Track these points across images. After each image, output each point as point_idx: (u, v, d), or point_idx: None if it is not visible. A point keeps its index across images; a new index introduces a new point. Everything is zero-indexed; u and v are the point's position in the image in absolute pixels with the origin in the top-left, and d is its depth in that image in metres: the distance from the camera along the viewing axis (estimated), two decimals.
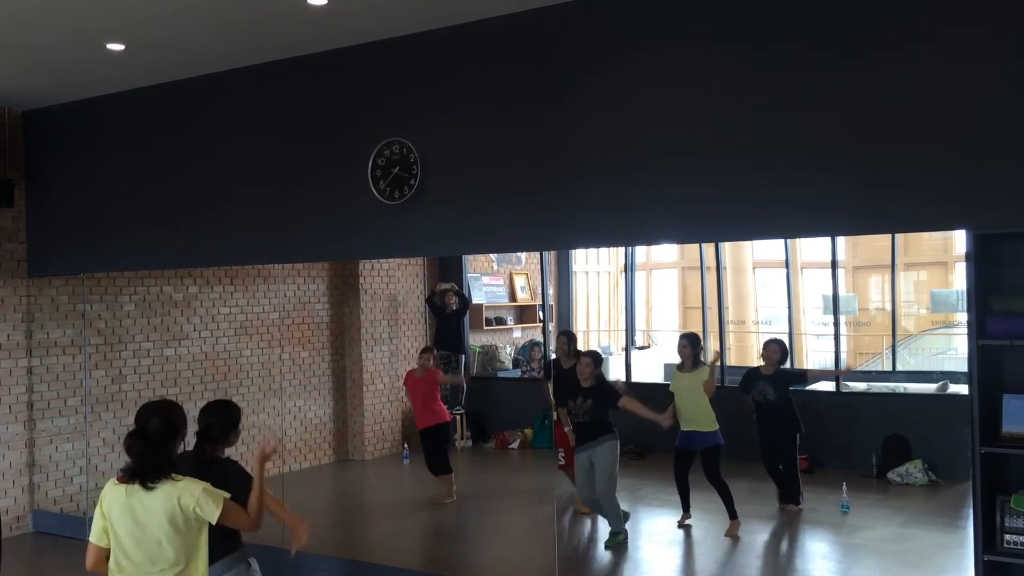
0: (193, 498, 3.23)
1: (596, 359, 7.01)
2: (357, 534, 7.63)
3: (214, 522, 3.27)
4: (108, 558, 3.31)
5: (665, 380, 11.20)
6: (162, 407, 3.42)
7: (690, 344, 7.27)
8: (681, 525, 7.22)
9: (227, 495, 3.33)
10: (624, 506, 7.03)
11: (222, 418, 3.91)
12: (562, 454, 7.89)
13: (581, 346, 8.86)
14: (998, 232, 3.97)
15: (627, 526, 6.96)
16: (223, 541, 3.61)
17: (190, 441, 3.81)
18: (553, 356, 8.25)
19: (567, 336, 8.20)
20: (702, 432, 7.07)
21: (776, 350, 7.57)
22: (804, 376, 8.51)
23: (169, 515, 3.20)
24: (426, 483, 8.46)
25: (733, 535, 6.93)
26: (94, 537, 3.31)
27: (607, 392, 6.90)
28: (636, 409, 6.82)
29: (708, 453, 7.07)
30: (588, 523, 7.50)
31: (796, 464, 7.65)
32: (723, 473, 7.06)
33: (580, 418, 6.87)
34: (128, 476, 3.25)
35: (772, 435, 7.55)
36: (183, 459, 3.63)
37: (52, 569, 6.89)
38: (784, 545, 6.97)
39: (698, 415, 7.09)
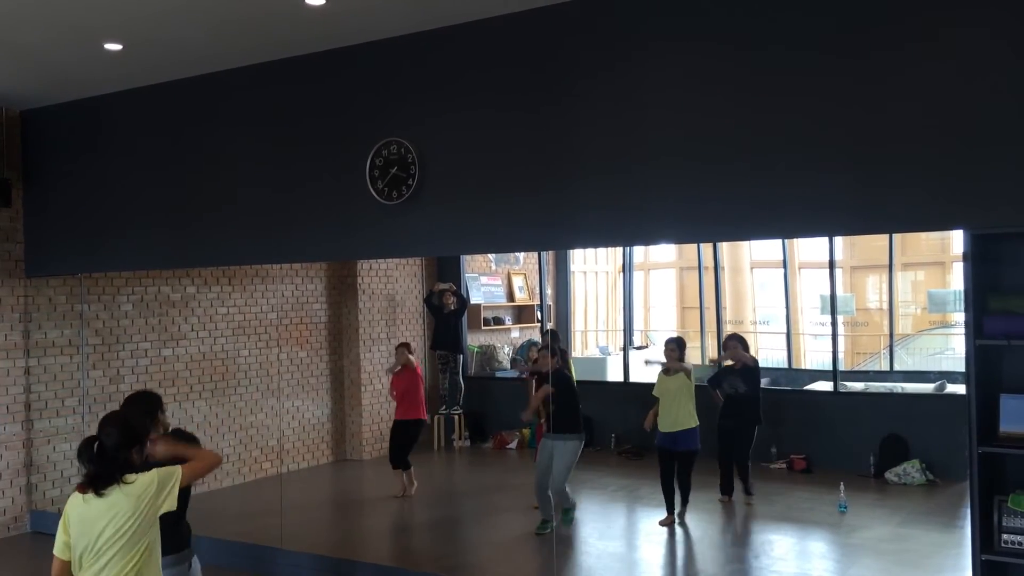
0: (150, 493, 3.23)
1: (552, 349, 7.21)
2: (355, 534, 7.62)
3: (174, 507, 3.30)
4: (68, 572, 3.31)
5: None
6: (122, 419, 3.41)
7: (677, 347, 7.48)
8: (664, 524, 7.26)
9: (176, 468, 3.33)
10: (621, 505, 7.06)
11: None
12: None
13: (580, 346, 8.90)
14: (996, 232, 3.97)
15: (609, 524, 7.07)
16: (167, 540, 3.58)
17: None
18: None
19: (551, 334, 8.32)
20: (685, 431, 7.29)
21: (737, 344, 7.92)
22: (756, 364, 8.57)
23: (124, 518, 3.20)
24: (425, 483, 8.47)
25: (668, 524, 7.21)
26: (57, 550, 3.31)
27: (559, 378, 7.07)
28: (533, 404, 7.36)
29: (686, 456, 7.31)
30: (587, 522, 7.51)
31: (748, 455, 7.95)
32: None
33: (551, 406, 7.05)
34: (84, 485, 3.27)
35: (734, 427, 7.81)
36: None
37: (50, 569, 6.88)
38: (783, 545, 6.97)
39: (680, 417, 7.30)
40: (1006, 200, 3.86)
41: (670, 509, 7.32)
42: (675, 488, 7.35)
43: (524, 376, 11.29)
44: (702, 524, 7.33)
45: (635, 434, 9.96)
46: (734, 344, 7.93)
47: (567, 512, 7.22)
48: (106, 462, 3.24)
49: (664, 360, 7.59)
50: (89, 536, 3.22)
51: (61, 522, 3.31)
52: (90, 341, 7.95)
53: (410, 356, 8.54)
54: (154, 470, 3.32)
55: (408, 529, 7.79)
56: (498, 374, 11.56)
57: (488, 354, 11.77)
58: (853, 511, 7.50)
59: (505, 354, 11.93)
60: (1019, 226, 3.90)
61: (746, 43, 4.40)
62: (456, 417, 10.77)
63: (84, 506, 3.25)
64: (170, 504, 3.30)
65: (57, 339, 7.74)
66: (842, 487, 7.63)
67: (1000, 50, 3.85)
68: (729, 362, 7.98)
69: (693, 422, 7.32)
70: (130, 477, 3.25)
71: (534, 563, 6.66)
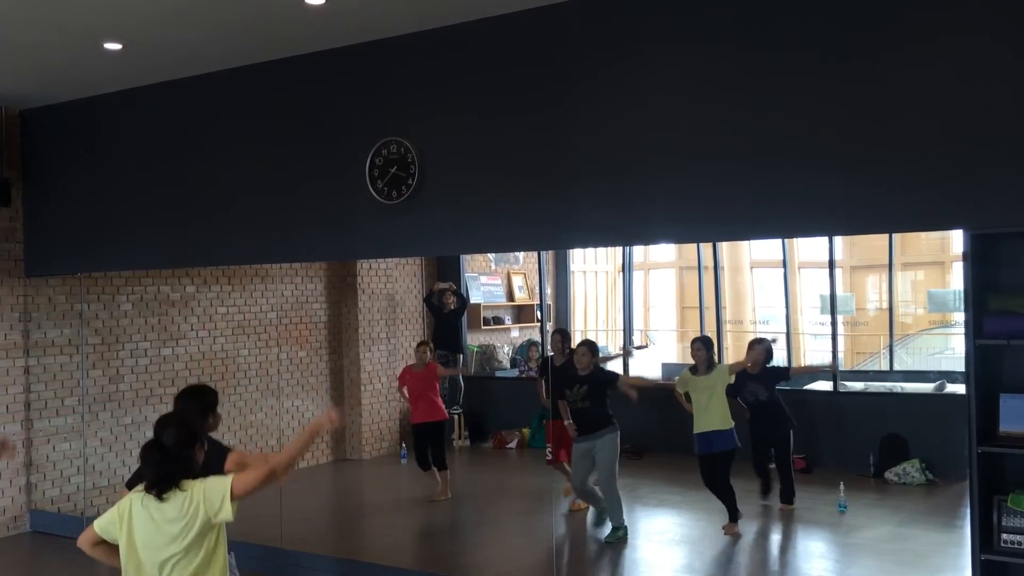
0: (205, 502, 3.17)
1: (592, 347, 7.14)
2: (355, 533, 7.63)
3: (231, 519, 3.22)
4: (100, 544, 3.29)
5: (664, 380, 11.21)
6: (178, 417, 3.40)
7: (704, 347, 7.23)
8: (728, 532, 6.99)
9: (227, 479, 3.25)
10: (622, 505, 7.03)
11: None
12: (550, 449, 7.91)
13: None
14: (995, 232, 3.98)
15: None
16: None
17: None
18: (549, 354, 8.30)
19: (561, 334, 8.22)
20: (719, 431, 7.02)
21: (761, 351, 7.61)
22: (788, 373, 8.47)
23: (181, 525, 3.16)
24: (424, 482, 8.46)
25: (733, 533, 6.93)
26: (99, 527, 3.28)
27: (604, 376, 7.00)
28: (636, 383, 7.32)
29: (723, 457, 7.03)
30: (587, 521, 7.51)
31: (790, 462, 7.67)
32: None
33: (578, 404, 6.93)
34: (147, 486, 3.22)
35: (766, 433, 7.59)
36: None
37: (49, 569, 6.89)
38: (782, 545, 6.97)
39: (714, 416, 7.05)
40: (1006, 200, 3.87)
41: (732, 516, 7.01)
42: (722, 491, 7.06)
43: (524, 375, 11.33)
44: (701, 523, 7.31)
45: (635, 434, 9.95)
46: (759, 350, 7.59)
47: (616, 530, 6.87)
48: (170, 463, 3.19)
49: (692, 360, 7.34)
50: (156, 542, 3.17)
51: (117, 511, 3.24)
52: (90, 340, 7.94)
53: (430, 357, 8.47)
54: (202, 482, 3.25)
55: (408, 529, 7.79)
56: (498, 374, 11.57)
57: (488, 354, 11.77)
58: (853, 511, 7.50)
59: (505, 354, 11.93)
60: (1019, 226, 3.90)
61: (746, 43, 4.40)
62: (456, 417, 10.77)
63: (144, 511, 3.19)
64: (225, 515, 3.21)
65: (57, 338, 7.74)
66: (842, 487, 7.62)
67: (999, 51, 3.86)
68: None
69: (728, 422, 7.04)
70: (186, 484, 3.20)
71: (535, 563, 6.66)
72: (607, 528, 6.97)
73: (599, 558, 6.69)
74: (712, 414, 7.05)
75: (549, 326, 12.10)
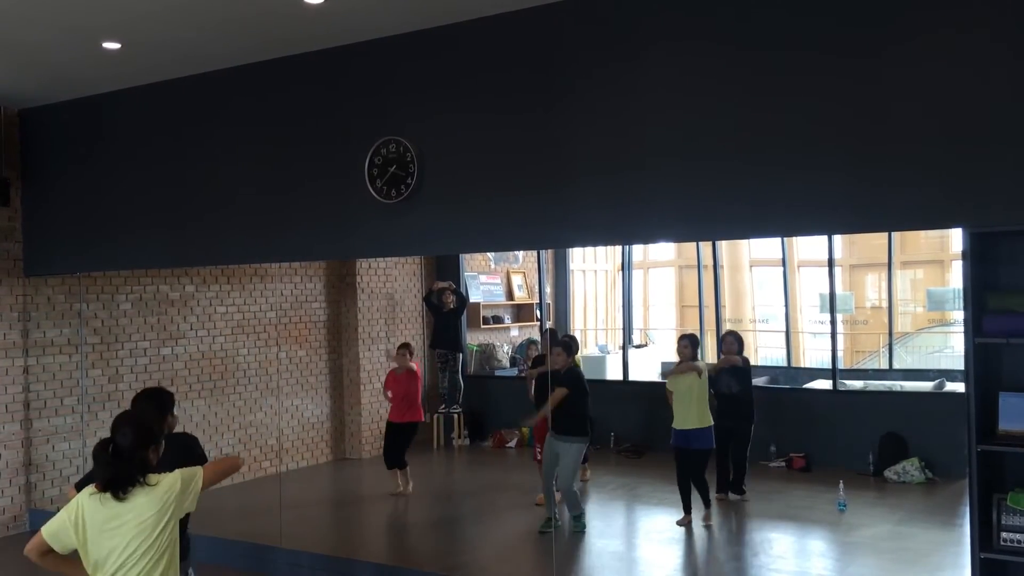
0: (176, 493, 3.16)
1: (567, 346, 7.15)
2: (354, 532, 7.62)
3: (197, 498, 3.26)
4: (48, 553, 3.20)
5: (663, 379, 11.21)
6: (136, 418, 3.34)
7: (690, 344, 7.37)
8: (681, 523, 7.22)
9: (197, 468, 3.28)
10: (620, 504, 7.06)
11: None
12: (539, 449, 7.92)
13: (579, 344, 8.90)
14: (995, 230, 3.97)
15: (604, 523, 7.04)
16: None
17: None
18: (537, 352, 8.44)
19: (551, 333, 8.38)
20: (698, 429, 7.19)
21: (733, 342, 7.88)
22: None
23: (146, 522, 3.11)
24: (424, 482, 8.47)
25: (685, 523, 7.16)
26: (48, 535, 3.18)
27: (572, 378, 7.00)
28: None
29: (700, 455, 7.22)
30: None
31: (747, 455, 7.91)
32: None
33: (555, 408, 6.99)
34: (100, 486, 3.15)
35: (730, 426, 7.72)
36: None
37: (48, 569, 6.87)
38: (782, 544, 6.98)
39: (694, 414, 7.21)
40: (1005, 198, 3.86)
41: (686, 509, 7.25)
42: (691, 488, 7.27)
43: (523, 374, 11.32)
44: (700, 523, 7.30)
45: (634, 433, 9.97)
46: (731, 341, 7.91)
47: (577, 519, 7.12)
48: (123, 463, 3.13)
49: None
50: (112, 541, 3.10)
51: (68, 516, 3.16)
52: (89, 340, 7.94)
53: (410, 359, 8.52)
54: (177, 471, 3.24)
55: (407, 528, 7.79)
56: (497, 373, 11.56)
57: (487, 353, 11.77)
58: (852, 509, 7.51)
59: (504, 353, 11.93)
60: (1018, 224, 3.90)
61: (745, 42, 4.40)
62: (455, 416, 10.77)
63: (102, 509, 3.12)
64: (191, 505, 3.23)
65: (56, 338, 7.74)
66: (841, 485, 7.63)
67: (999, 50, 3.85)
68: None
69: (707, 421, 7.24)
70: (153, 478, 3.15)
71: (534, 562, 6.66)
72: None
73: (598, 557, 6.69)
74: (691, 412, 7.22)
75: (548, 325, 12.10)
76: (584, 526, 7.12)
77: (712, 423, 7.27)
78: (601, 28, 4.79)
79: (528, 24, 4.98)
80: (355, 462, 10.16)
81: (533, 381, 8.12)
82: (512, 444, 10.71)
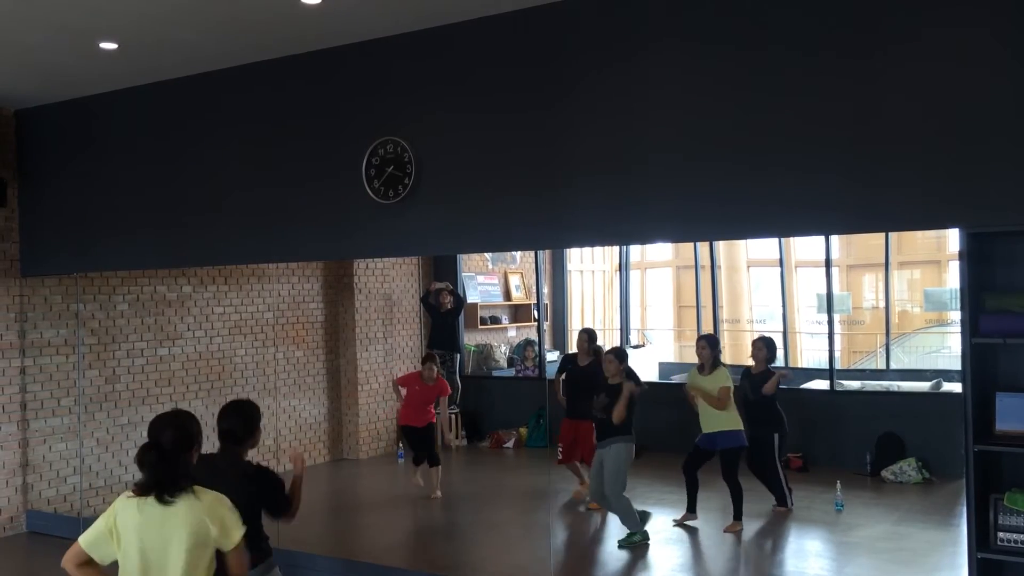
0: (218, 522, 3.09)
1: (620, 355, 6.96)
2: (352, 534, 7.62)
3: (226, 551, 3.14)
4: (87, 564, 3.12)
5: (660, 379, 11.21)
6: (176, 418, 3.28)
7: (709, 346, 7.19)
8: (680, 524, 7.18)
9: (239, 535, 3.16)
10: None
11: (243, 418, 3.86)
12: (560, 448, 7.92)
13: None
14: (991, 230, 3.98)
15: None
16: (256, 543, 3.56)
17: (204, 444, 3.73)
18: (571, 351, 8.28)
19: (588, 334, 8.06)
20: (725, 432, 7.00)
21: (762, 347, 7.49)
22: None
23: (190, 530, 3.05)
24: (422, 482, 8.46)
25: (734, 531, 6.93)
26: (85, 543, 3.12)
27: (634, 376, 6.93)
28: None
29: (729, 453, 7.01)
30: (587, 521, 7.51)
31: (777, 466, 7.40)
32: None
33: (599, 414, 6.89)
34: (142, 490, 3.08)
35: (752, 434, 7.28)
36: (208, 462, 3.57)
37: (46, 569, 6.86)
38: (778, 545, 6.97)
39: (719, 417, 7.01)
40: (1002, 199, 3.87)
41: (690, 507, 7.10)
42: (697, 483, 7.14)
43: (529, 374, 11.31)
44: (700, 523, 7.31)
45: (634, 433, 9.94)
46: (759, 346, 7.50)
47: (630, 535, 6.75)
48: (168, 465, 3.08)
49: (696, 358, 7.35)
50: (154, 547, 3.04)
51: (105, 522, 3.11)
52: (86, 341, 7.93)
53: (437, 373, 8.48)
54: (228, 511, 3.14)
55: (406, 528, 7.79)
56: (495, 373, 11.56)
57: (485, 353, 11.77)
58: (849, 509, 7.51)
59: (502, 353, 11.92)
60: (1015, 224, 3.90)
61: (743, 42, 4.40)
62: (453, 416, 10.76)
63: (139, 515, 3.05)
64: (227, 546, 3.15)
65: (53, 339, 7.72)
66: (838, 485, 7.63)
67: (997, 50, 3.86)
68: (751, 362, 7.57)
69: (736, 423, 6.97)
70: (199, 490, 3.10)
71: (534, 562, 6.65)
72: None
73: (598, 557, 6.69)
74: (717, 415, 7.01)
75: (546, 325, 12.10)
76: (633, 542, 6.72)
77: (741, 426, 7.02)
78: (598, 29, 4.79)
79: (526, 24, 4.98)
80: (353, 462, 10.16)
81: (560, 380, 8.09)
82: (509, 444, 10.70)
